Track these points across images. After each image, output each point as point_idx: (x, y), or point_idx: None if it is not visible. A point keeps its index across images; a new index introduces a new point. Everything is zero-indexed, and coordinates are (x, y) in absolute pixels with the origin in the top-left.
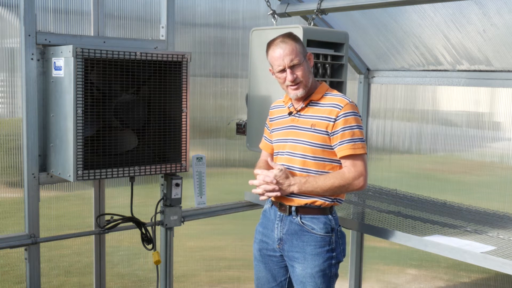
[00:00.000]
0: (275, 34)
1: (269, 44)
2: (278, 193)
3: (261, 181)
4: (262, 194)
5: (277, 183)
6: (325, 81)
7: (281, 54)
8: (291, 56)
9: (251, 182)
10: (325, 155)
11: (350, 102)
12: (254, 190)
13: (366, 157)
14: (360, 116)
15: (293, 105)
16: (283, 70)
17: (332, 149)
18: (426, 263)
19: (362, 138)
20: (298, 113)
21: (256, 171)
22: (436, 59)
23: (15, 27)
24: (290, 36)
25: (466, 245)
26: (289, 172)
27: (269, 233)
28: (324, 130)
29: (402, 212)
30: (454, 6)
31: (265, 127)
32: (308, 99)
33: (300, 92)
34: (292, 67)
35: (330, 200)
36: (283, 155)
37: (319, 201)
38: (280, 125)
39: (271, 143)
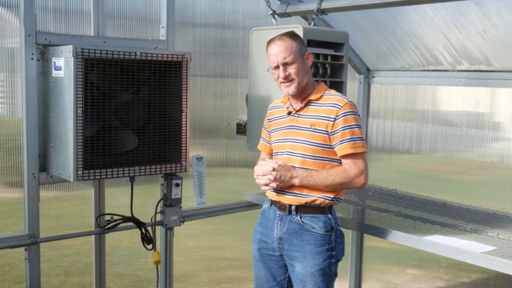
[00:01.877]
0: (275, 34)
1: (268, 42)
2: (274, 185)
3: (259, 172)
4: (266, 185)
5: (278, 175)
6: (325, 81)
7: (276, 51)
8: (285, 54)
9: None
10: (325, 154)
11: (349, 101)
12: (257, 181)
13: (366, 155)
14: (359, 115)
15: (292, 105)
16: (277, 67)
17: (332, 148)
18: (426, 263)
19: (362, 137)
20: (297, 113)
21: (259, 162)
22: (436, 59)
23: (15, 27)
24: (289, 34)
25: (466, 245)
26: (290, 166)
27: (269, 232)
28: (324, 129)
29: (402, 212)
30: (454, 6)
31: (263, 128)
32: (306, 98)
33: (291, 90)
34: (285, 64)
35: (330, 199)
36: (282, 154)
37: (318, 200)
38: (279, 125)
39: (269, 143)
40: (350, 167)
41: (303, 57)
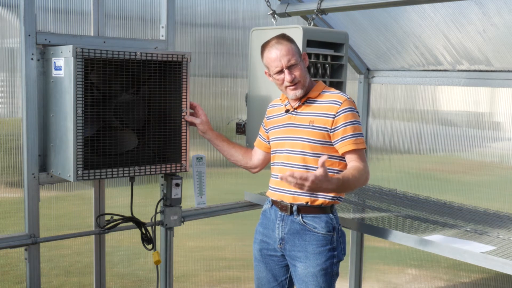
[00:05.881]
0: (275, 34)
1: (264, 46)
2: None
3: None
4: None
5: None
6: (325, 81)
7: (278, 55)
8: (288, 57)
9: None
10: (324, 151)
11: (348, 98)
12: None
13: (365, 152)
14: (357, 112)
15: (289, 103)
16: (281, 71)
17: (332, 145)
18: (426, 263)
19: (362, 134)
20: (295, 110)
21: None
22: (436, 59)
23: (15, 27)
24: (284, 37)
25: (466, 245)
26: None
27: (270, 233)
28: (323, 126)
29: (402, 212)
30: (454, 6)
31: (261, 126)
32: (305, 96)
33: (299, 92)
34: (289, 67)
35: (330, 198)
36: (282, 153)
37: (319, 200)
38: (277, 123)
39: (265, 141)
40: (359, 163)
41: (301, 58)
